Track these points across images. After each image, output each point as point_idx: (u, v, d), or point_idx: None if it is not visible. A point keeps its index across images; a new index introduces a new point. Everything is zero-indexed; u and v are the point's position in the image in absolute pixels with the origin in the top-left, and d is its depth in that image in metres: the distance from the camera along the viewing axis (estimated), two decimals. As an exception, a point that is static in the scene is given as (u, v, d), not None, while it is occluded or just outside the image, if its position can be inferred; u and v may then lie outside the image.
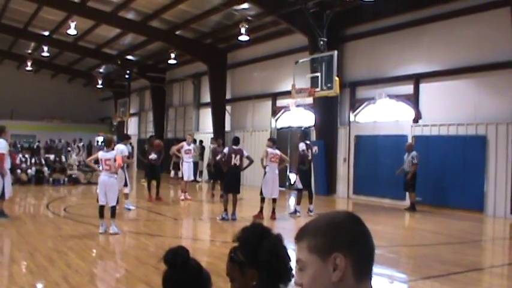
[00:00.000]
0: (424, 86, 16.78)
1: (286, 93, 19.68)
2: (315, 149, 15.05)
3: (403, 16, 17.16)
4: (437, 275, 7.74)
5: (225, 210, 12.73)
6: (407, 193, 15.81)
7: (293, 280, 1.98)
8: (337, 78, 15.71)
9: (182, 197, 17.00)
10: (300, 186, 14.03)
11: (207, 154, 23.79)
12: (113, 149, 10.98)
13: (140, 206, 15.36)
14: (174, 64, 28.75)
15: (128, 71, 33.54)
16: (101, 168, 10.76)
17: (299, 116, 21.60)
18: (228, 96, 26.28)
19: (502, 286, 7.74)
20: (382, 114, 18.20)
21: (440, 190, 15.77)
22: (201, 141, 25.71)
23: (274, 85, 22.85)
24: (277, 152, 13.34)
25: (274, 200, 13.21)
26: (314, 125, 20.21)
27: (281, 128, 22.97)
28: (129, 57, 32.16)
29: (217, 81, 25.83)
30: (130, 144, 16.32)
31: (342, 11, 18.18)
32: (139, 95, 38.19)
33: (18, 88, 39.17)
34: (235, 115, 26.25)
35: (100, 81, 36.99)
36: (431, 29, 16.47)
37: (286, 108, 22.02)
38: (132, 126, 38.22)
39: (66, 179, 22.10)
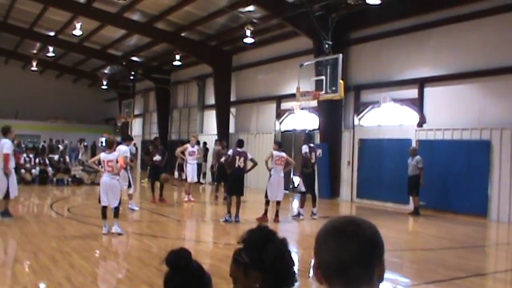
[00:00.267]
0: (428, 90, 16.75)
1: (291, 96, 19.69)
2: (319, 152, 15.06)
3: (409, 20, 17.14)
4: (440, 279, 7.72)
5: (229, 212, 12.74)
6: (410, 197, 15.79)
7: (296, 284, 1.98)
8: (341, 82, 15.72)
9: (186, 199, 17.01)
10: (303, 189, 14.02)
11: (211, 156, 23.80)
12: (115, 150, 11.00)
13: (143, 207, 15.37)
14: (178, 66, 28.80)
15: (132, 72, 33.62)
16: (103, 169, 10.78)
17: (303, 119, 21.60)
18: (232, 98, 26.30)
19: (505, 292, 7.71)
20: (387, 118, 18.18)
21: (444, 195, 15.73)
22: (204, 143, 25.72)
23: (279, 88, 22.86)
24: (283, 154, 13.33)
25: (278, 203, 13.21)
26: (318, 128, 20.20)
27: (285, 131, 22.96)
28: (134, 58, 32.24)
29: (221, 83, 25.85)
30: (135, 145, 16.33)
31: (347, 14, 18.16)
32: (143, 96, 38.26)
33: (23, 88, 39.34)
34: (239, 117, 26.26)
35: (105, 82, 37.09)
36: (436, 33, 16.44)
37: (290, 111, 22.02)
38: (136, 128, 38.29)
39: (69, 179, 22.16)
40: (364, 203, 18.29)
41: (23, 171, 21.03)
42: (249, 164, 13.17)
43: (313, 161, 14.02)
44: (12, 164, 11.93)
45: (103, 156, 10.72)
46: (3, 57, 38.53)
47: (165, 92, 33.75)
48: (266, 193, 13.24)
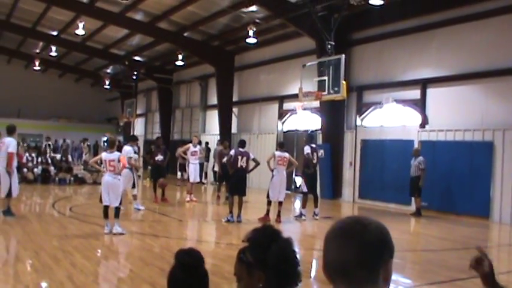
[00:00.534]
0: (431, 91, 16.74)
1: (293, 97, 19.69)
2: (321, 152, 15.05)
3: (411, 21, 17.13)
4: (442, 280, 7.70)
5: (231, 212, 12.74)
6: (413, 198, 15.77)
7: (300, 284, 1.97)
8: (344, 82, 15.71)
9: (188, 199, 17.02)
10: (305, 189, 14.02)
11: (212, 157, 23.80)
12: (116, 150, 11.00)
13: (145, 206, 15.38)
14: (181, 65, 28.78)
15: (135, 72, 33.62)
16: (104, 169, 10.78)
17: (306, 119, 21.59)
18: (234, 98, 26.29)
19: (507, 293, 7.68)
20: (389, 119, 18.16)
21: (446, 196, 15.71)
22: (207, 143, 25.72)
23: (281, 88, 22.85)
24: (286, 155, 13.34)
25: (280, 203, 13.21)
26: (320, 129, 20.19)
27: (287, 131, 22.96)
28: (137, 58, 32.25)
29: (224, 84, 25.86)
30: (137, 145, 16.32)
31: (350, 14, 18.15)
32: (146, 96, 38.27)
33: (25, 87, 39.35)
34: (241, 117, 26.26)
35: (107, 82, 37.10)
36: (439, 34, 16.42)
37: (292, 111, 22.03)
38: (138, 127, 38.29)
39: (72, 178, 22.18)
40: (366, 203, 18.27)
41: (25, 170, 21.06)
42: (252, 164, 13.17)
43: (315, 161, 14.00)
44: (15, 163, 11.98)
45: (104, 155, 10.73)
46: (6, 56, 38.55)
47: (167, 91, 33.76)
48: (268, 193, 13.25)
